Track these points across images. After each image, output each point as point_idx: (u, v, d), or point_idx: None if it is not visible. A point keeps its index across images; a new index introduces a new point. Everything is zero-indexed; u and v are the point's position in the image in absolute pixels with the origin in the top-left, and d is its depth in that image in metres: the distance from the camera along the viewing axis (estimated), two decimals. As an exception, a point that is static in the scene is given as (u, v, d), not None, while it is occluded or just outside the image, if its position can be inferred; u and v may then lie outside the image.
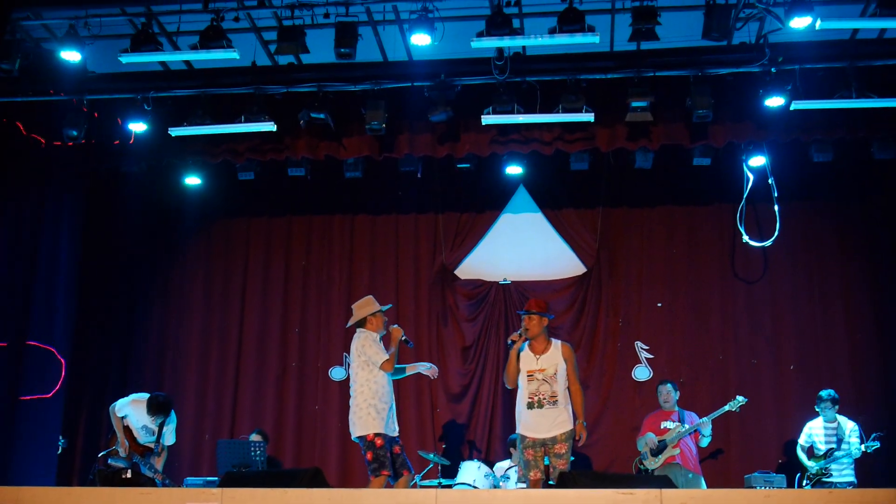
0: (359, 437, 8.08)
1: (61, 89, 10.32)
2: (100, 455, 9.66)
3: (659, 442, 9.83)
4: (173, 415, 9.83)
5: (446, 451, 11.31)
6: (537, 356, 7.95)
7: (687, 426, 9.82)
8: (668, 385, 10.20)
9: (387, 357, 8.15)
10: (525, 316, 8.03)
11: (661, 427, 9.95)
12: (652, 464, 9.78)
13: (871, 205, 11.54)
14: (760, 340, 11.39)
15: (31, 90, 10.42)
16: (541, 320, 7.99)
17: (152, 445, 9.57)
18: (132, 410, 9.64)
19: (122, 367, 11.77)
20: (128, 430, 9.56)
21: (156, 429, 9.54)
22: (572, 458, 7.91)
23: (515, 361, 8.00)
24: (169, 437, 9.75)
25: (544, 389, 7.82)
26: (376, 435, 7.98)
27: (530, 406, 7.84)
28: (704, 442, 9.96)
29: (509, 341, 8.08)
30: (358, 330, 8.39)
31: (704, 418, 9.85)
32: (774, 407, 11.06)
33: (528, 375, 7.92)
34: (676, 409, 10.06)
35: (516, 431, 8.02)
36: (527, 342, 8.04)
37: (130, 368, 10.89)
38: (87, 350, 11.50)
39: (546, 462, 7.84)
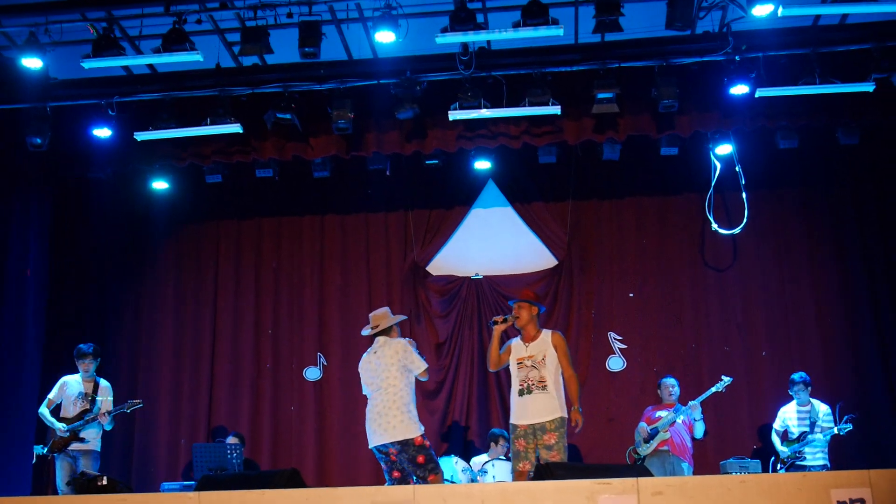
0: (401, 442, 7.94)
1: (23, 97, 10.22)
2: (45, 452, 9.69)
3: (651, 430, 9.93)
4: (108, 385, 9.84)
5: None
6: (527, 344, 8.02)
7: (678, 413, 9.92)
8: (672, 380, 10.35)
9: (426, 366, 8.26)
10: (515, 304, 8.11)
11: (656, 416, 10.09)
12: (644, 450, 9.93)
13: (838, 190, 11.63)
14: (732, 327, 11.46)
15: (-7, 98, 10.35)
16: (531, 309, 8.10)
17: (89, 408, 9.60)
18: (63, 388, 9.79)
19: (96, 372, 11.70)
20: (63, 420, 9.60)
21: (91, 391, 9.62)
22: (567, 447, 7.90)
23: (497, 344, 8.08)
24: (106, 403, 9.76)
25: (533, 375, 7.86)
26: (423, 436, 8.02)
27: (520, 393, 7.89)
28: (699, 431, 10.03)
29: (491, 321, 8.15)
30: (385, 338, 8.35)
31: (692, 402, 9.94)
32: (748, 393, 11.13)
33: (518, 364, 7.99)
34: (676, 403, 10.16)
35: (510, 422, 8.01)
36: (520, 335, 8.13)
37: (103, 374, 10.77)
38: (58, 357, 11.40)
39: (537, 454, 7.78)
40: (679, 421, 9.94)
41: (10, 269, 10.69)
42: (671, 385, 10.31)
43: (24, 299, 10.77)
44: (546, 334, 8.05)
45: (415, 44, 9.54)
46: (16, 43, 9.82)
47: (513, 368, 8.04)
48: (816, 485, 5.57)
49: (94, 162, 10.98)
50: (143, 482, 11.35)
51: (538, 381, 7.84)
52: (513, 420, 7.94)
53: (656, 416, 10.10)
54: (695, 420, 9.99)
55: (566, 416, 7.86)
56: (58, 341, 11.47)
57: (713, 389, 10.02)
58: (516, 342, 8.12)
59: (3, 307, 10.57)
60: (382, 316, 8.49)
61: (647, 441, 9.97)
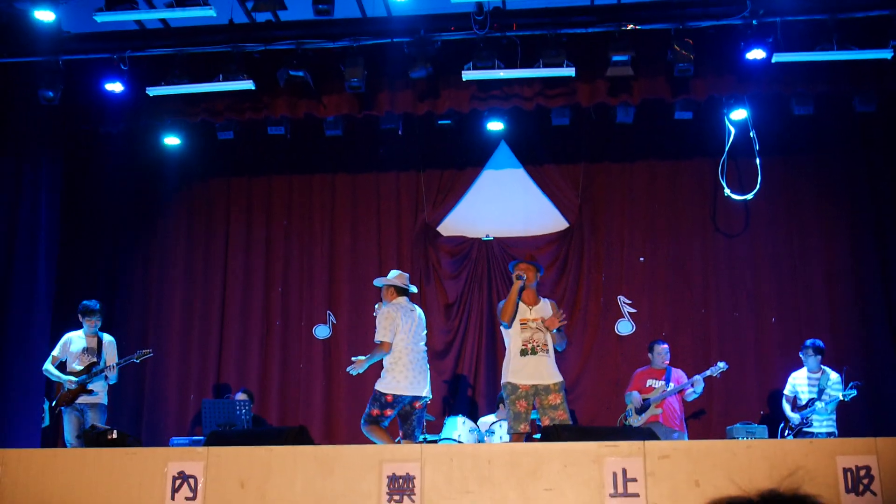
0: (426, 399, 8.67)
1: (36, 50, 10.20)
2: (53, 405, 9.77)
3: (644, 401, 9.93)
4: (112, 340, 10.03)
5: (431, 407, 11.33)
6: (530, 307, 8.08)
7: (672, 385, 9.90)
8: (665, 345, 10.23)
9: None
10: (523, 265, 8.19)
11: (647, 385, 10.05)
12: (635, 421, 9.89)
13: (851, 158, 11.56)
14: (742, 293, 11.44)
15: (6, 51, 10.30)
16: (536, 272, 8.20)
17: (95, 361, 9.66)
18: (66, 345, 9.83)
19: (105, 328, 11.74)
20: (70, 374, 9.67)
21: (95, 346, 9.67)
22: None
23: (517, 298, 8.04)
24: (111, 357, 9.82)
25: (538, 337, 7.94)
26: None
27: (523, 353, 7.90)
28: (692, 397, 10.03)
29: (520, 276, 8.06)
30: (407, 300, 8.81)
31: (697, 376, 9.90)
32: (756, 360, 11.13)
33: (522, 324, 8.02)
34: (667, 369, 10.13)
35: (503, 381, 8.04)
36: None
37: (114, 330, 10.84)
38: (69, 312, 11.45)
39: (534, 416, 7.92)
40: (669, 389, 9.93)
41: (22, 224, 10.71)
42: (665, 351, 10.18)
43: (35, 255, 10.79)
44: (546, 301, 8.22)
45: (429, 2, 9.49)
46: (29, -5, 9.80)
47: (515, 328, 8.05)
48: (822, 451, 5.59)
49: (106, 117, 10.97)
50: (153, 437, 11.44)
51: (542, 344, 7.94)
52: (512, 379, 7.91)
53: (647, 384, 10.07)
54: (694, 392, 9.96)
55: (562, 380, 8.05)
56: (68, 297, 11.48)
57: (709, 372, 9.94)
58: (520, 304, 8.15)
59: (14, 263, 10.60)
60: (404, 277, 8.89)
61: (638, 412, 9.95)
